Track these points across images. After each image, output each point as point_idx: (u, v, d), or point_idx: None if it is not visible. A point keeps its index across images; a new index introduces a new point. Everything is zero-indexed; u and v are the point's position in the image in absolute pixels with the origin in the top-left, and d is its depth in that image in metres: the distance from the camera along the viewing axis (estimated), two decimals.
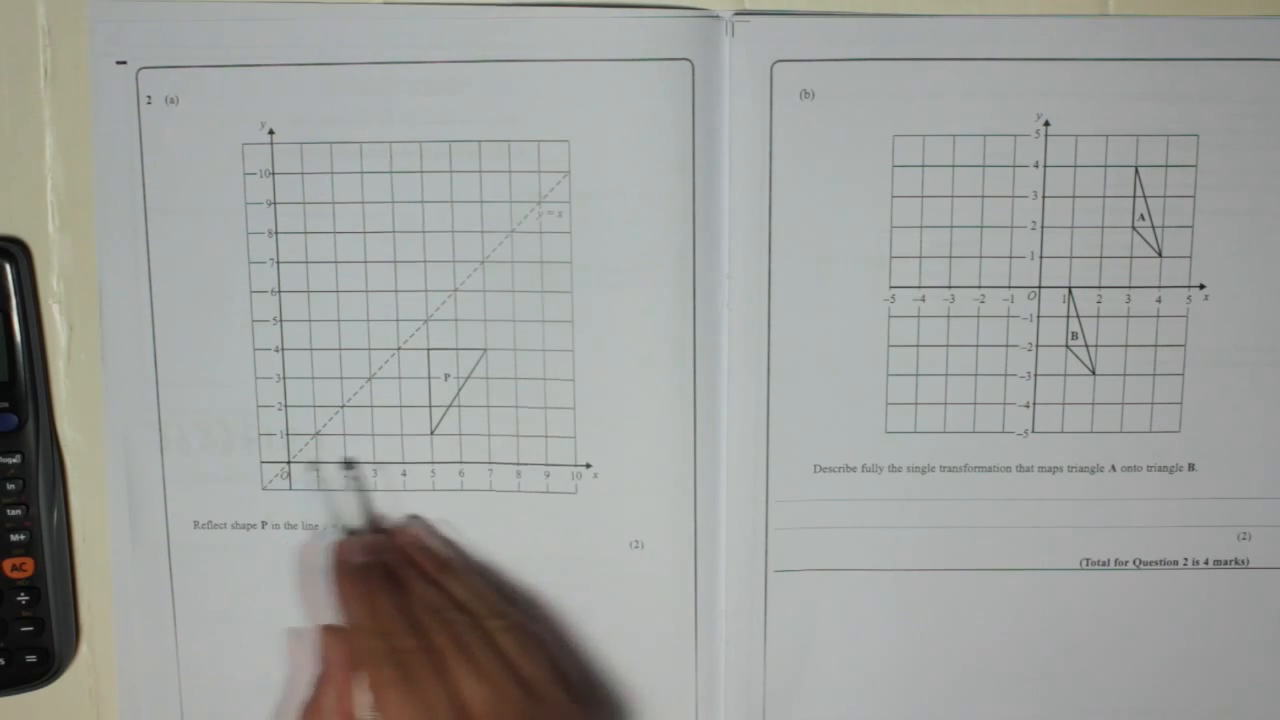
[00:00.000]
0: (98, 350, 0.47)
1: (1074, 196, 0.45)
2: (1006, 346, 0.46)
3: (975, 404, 0.46)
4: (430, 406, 0.47)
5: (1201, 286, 0.46)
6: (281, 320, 0.46)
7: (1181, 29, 0.44)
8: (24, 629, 0.47)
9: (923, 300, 0.46)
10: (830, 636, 0.47)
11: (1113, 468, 0.47)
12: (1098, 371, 0.46)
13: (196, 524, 0.47)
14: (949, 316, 0.46)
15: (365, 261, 0.46)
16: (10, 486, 0.46)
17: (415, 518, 0.47)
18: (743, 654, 0.47)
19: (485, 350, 0.46)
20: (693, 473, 0.46)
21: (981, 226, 0.45)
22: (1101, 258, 0.46)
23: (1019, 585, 0.47)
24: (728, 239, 0.45)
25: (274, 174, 0.46)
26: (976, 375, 0.46)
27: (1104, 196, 0.45)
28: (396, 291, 0.46)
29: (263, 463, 0.47)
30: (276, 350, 0.47)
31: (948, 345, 0.46)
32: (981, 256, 0.46)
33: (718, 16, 0.44)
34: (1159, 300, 0.46)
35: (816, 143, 0.45)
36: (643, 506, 0.46)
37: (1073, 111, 0.45)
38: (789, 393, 0.46)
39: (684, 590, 0.47)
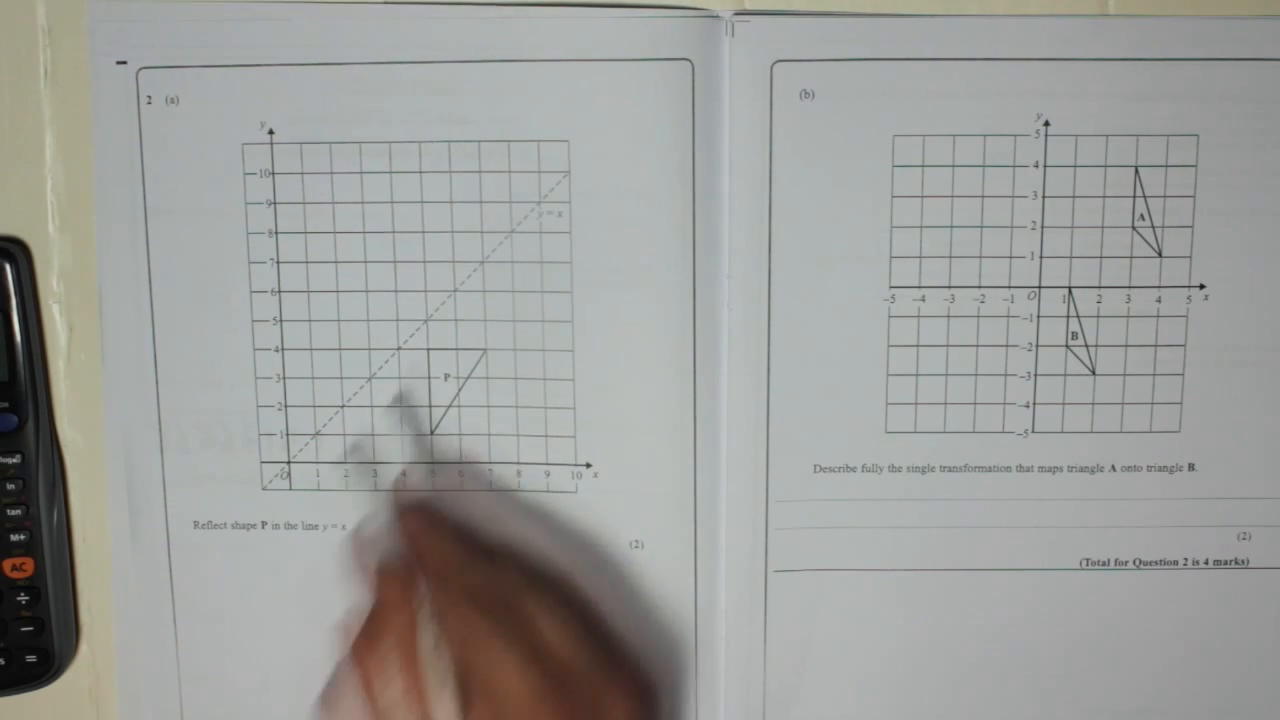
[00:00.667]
0: (98, 350, 0.47)
1: (1074, 196, 0.45)
2: (1006, 346, 0.46)
3: (975, 404, 0.46)
4: (430, 406, 0.47)
5: (1201, 286, 0.46)
6: (281, 320, 0.46)
7: (1181, 29, 0.44)
8: (24, 629, 0.47)
9: (923, 300, 0.46)
10: (830, 636, 0.47)
11: (1113, 468, 0.47)
12: (1098, 371, 0.46)
13: (196, 524, 0.47)
14: (949, 316, 0.46)
15: (365, 261, 0.46)
16: (10, 486, 0.46)
17: (426, 500, 0.47)
18: (743, 654, 0.47)
19: (485, 350, 0.46)
20: (693, 472, 0.46)
21: (981, 226, 0.45)
22: (1101, 258, 0.46)
23: (1019, 585, 0.47)
24: (728, 239, 0.45)
25: (274, 174, 0.46)
26: (976, 375, 0.46)
27: (1104, 196, 0.45)
28: (396, 291, 0.46)
29: (263, 463, 0.47)
30: (276, 350, 0.47)
31: (948, 345, 0.46)
32: (981, 256, 0.46)
33: (718, 16, 0.44)
34: (1159, 300, 0.46)
35: (816, 143, 0.45)
36: (643, 506, 0.46)
37: (1073, 111, 0.45)
38: (789, 393, 0.46)
39: (684, 590, 0.47)
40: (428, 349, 0.46)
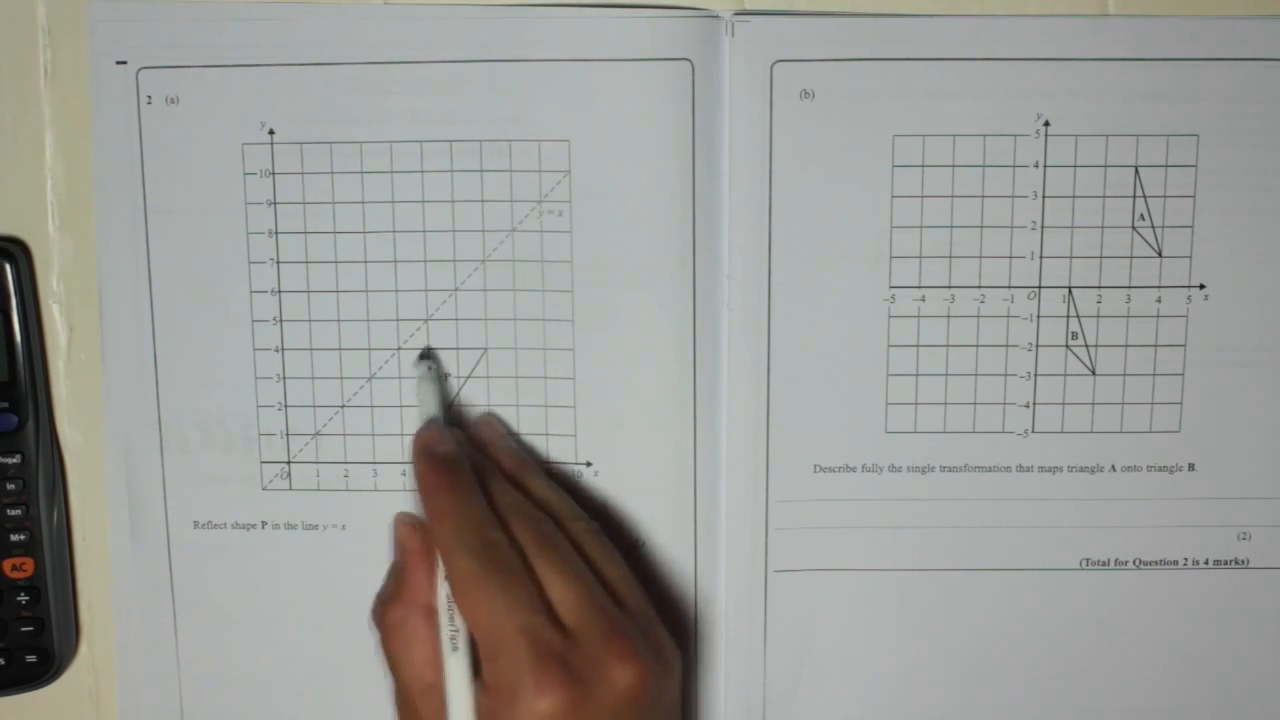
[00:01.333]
0: (98, 350, 0.47)
1: (1074, 196, 0.45)
2: (1006, 346, 0.46)
3: (975, 404, 0.46)
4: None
5: (1201, 286, 0.46)
6: (281, 320, 0.46)
7: (1181, 29, 0.44)
8: (24, 629, 0.47)
9: (923, 300, 0.46)
10: (830, 636, 0.47)
11: (1113, 468, 0.47)
12: (1098, 371, 0.46)
13: (196, 524, 0.47)
14: (949, 316, 0.46)
15: (365, 261, 0.46)
16: (10, 486, 0.46)
17: (491, 413, 0.46)
18: (743, 654, 0.47)
19: (486, 349, 0.46)
20: (693, 472, 0.46)
21: (981, 226, 0.46)
22: (1101, 258, 0.46)
23: (1019, 585, 0.47)
24: (728, 239, 0.45)
25: (274, 174, 0.46)
26: (976, 375, 0.46)
27: (1104, 196, 0.45)
28: (397, 291, 0.46)
29: (263, 463, 0.47)
30: (276, 350, 0.47)
31: (948, 345, 0.46)
32: (981, 256, 0.46)
33: (718, 16, 0.44)
34: (1159, 300, 0.46)
35: (816, 143, 0.45)
36: (643, 505, 0.46)
37: (1073, 111, 0.45)
38: (789, 393, 0.46)
39: (684, 590, 0.47)
40: (427, 349, 0.46)
